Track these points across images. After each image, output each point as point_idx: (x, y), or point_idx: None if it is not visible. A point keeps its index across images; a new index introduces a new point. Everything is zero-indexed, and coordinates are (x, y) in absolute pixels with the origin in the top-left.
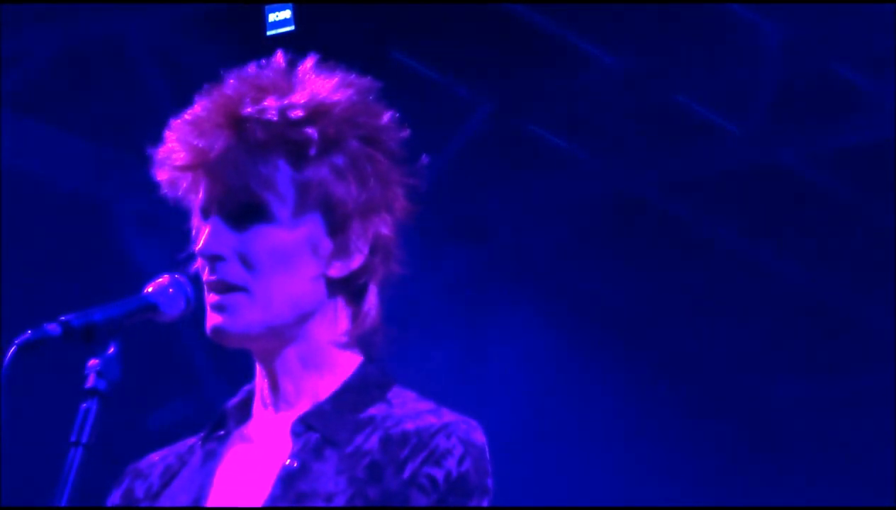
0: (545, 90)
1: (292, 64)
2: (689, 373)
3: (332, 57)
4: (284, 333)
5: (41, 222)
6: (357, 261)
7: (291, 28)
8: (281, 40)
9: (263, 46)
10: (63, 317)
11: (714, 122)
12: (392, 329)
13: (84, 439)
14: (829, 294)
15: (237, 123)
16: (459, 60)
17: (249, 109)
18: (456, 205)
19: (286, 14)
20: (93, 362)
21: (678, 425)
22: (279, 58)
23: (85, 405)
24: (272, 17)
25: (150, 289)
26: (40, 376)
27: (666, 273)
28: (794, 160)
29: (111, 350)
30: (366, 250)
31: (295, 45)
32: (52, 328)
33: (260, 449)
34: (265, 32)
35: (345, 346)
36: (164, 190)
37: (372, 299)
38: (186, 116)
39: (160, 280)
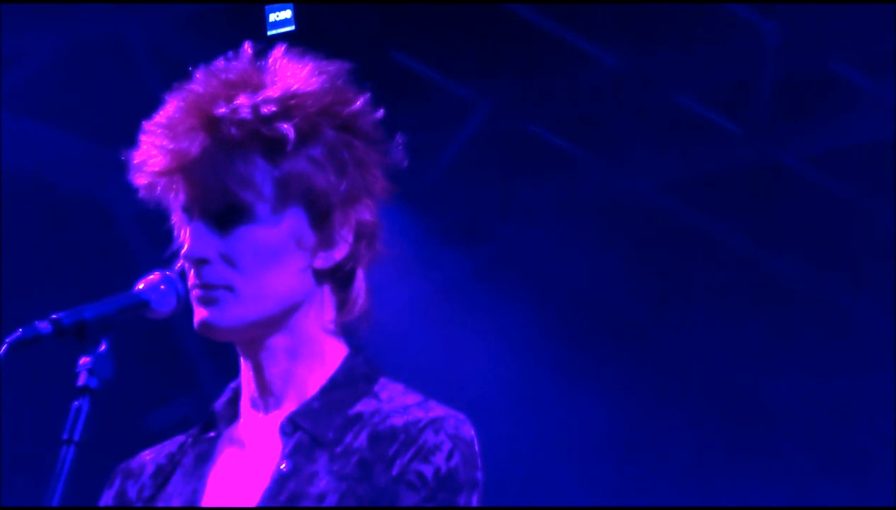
0: (545, 90)
1: (261, 54)
2: (688, 372)
3: (332, 57)
4: (272, 324)
5: (41, 222)
6: (342, 251)
7: (292, 28)
8: (281, 40)
9: (264, 46)
10: (54, 315)
11: (714, 122)
12: (380, 323)
13: (76, 437)
14: (829, 294)
15: (211, 124)
16: (459, 60)
17: (223, 109)
18: (456, 205)
19: (287, 14)
20: (84, 360)
21: (677, 425)
22: (247, 49)
23: (76, 403)
24: (272, 17)
25: (141, 286)
26: (32, 374)
27: (665, 273)
28: (794, 160)
29: (103, 347)
30: (350, 238)
31: (295, 45)
32: (43, 326)
33: (250, 451)
34: (266, 32)
35: (331, 334)
36: (142, 193)
37: (360, 284)
38: (159, 119)
39: (151, 277)
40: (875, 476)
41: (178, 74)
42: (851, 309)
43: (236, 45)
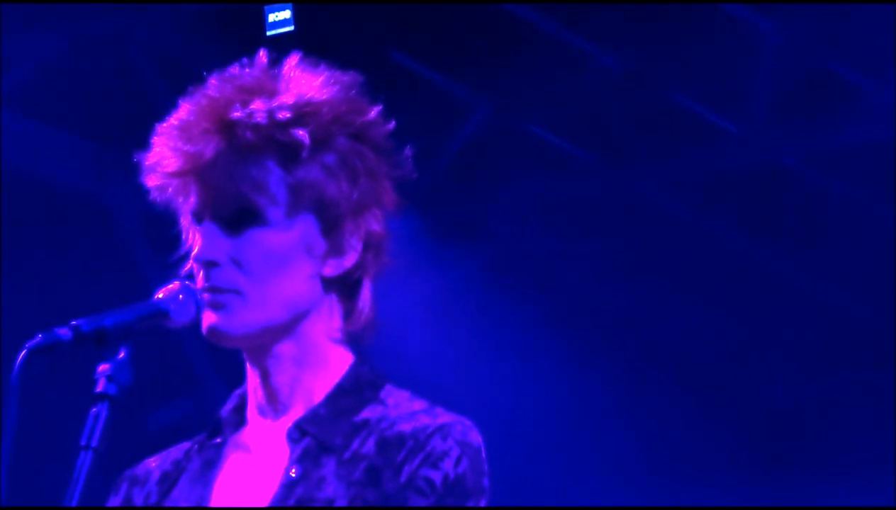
0: (545, 90)
1: (275, 62)
2: (688, 372)
3: (332, 57)
4: (280, 331)
5: (41, 222)
6: (351, 259)
7: (291, 28)
8: (281, 40)
9: (263, 46)
10: (74, 322)
11: (714, 122)
12: (382, 324)
13: (94, 443)
14: (829, 293)
15: (226, 128)
16: (459, 60)
17: (238, 113)
18: (456, 205)
19: (286, 14)
20: (103, 367)
21: (678, 425)
22: (262, 57)
23: (95, 409)
24: (272, 18)
25: (160, 296)
26: (51, 380)
27: (665, 272)
28: (794, 160)
29: (122, 355)
30: (359, 247)
31: (295, 46)
32: (64, 332)
33: (258, 457)
34: (265, 33)
35: (337, 342)
36: (154, 195)
37: (366, 294)
38: (173, 121)
39: (170, 286)
40: (875, 476)
41: (178, 74)
42: (851, 308)
43: (236, 46)
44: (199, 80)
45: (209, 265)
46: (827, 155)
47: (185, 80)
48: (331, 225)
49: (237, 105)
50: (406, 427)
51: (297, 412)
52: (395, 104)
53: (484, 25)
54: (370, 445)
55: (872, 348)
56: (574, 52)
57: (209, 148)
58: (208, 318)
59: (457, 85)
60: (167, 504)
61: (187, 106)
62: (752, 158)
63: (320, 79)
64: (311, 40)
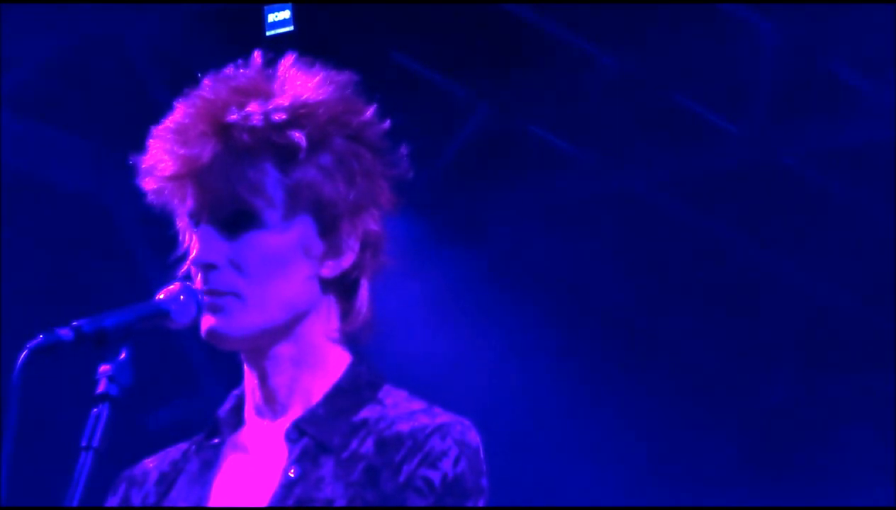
0: (545, 90)
1: (272, 63)
2: (688, 372)
3: (331, 57)
4: (278, 333)
5: (41, 222)
6: (349, 260)
7: (291, 28)
8: (280, 40)
9: (263, 46)
10: (75, 322)
11: (714, 122)
12: (381, 325)
13: (95, 444)
14: (829, 294)
15: (223, 130)
16: (459, 61)
17: (234, 116)
18: (455, 205)
19: (286, 14)
20: (104, 368)
21: (677, 425)
22: (257, 57)
23: (96, 410)
24: (271, 18)
25: (161, 296)
26: (51, 380)
27: (665, 273)
28: (793, 160)
29: (122, 355)
30: (356, 247)
31: (295, 46)
32: (65, 333)
33: (256, 457)
34: (264, 33)
35: (335, 342)
36: (150, 197)
37: (364, 294)
38: (169, 124)
39: (171, 287)
40: (875, 476)
41: (177, 75)
42: (851, 309)
43: (235, 46)
44: (198, 81)
45: (207, 268)
46: (827, 155)
47: (185, 80)
48: (328, 226)
49: (233, 107)
50: (404, 427)
51: (295, 412)
52: (395, 104)
53: (484, 25)
54: (369, 445)
55: (872, 348)
56: (574, 52)
57: (206, 151)
58: (207, 321)
59: (456, 85)
60: (165, 504)
61: (183, 108)
62: (752, 158)
63: (316, 79)
64: (310, 40)
